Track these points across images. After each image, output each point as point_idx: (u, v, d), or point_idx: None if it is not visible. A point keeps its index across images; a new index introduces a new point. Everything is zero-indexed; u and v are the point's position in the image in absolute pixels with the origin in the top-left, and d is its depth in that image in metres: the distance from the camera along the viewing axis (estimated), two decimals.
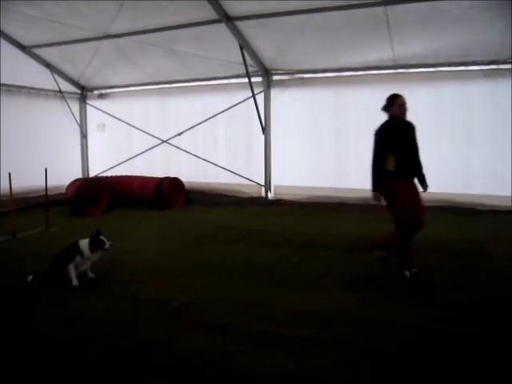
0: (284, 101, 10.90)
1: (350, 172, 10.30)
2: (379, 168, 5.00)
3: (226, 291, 4.76)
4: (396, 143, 4.97)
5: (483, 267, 5.16)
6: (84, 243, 5.04)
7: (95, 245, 5.03)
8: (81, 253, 4.99)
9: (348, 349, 3.43)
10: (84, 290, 4.82)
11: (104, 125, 13.08)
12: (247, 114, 11.03)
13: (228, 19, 8.97)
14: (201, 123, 11.66)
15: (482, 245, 6.00)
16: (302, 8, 8.42)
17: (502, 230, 7.21)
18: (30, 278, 5.03)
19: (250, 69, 10.27)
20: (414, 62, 9.39)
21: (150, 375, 3.12)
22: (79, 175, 12.70)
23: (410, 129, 5.09)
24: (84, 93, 13.28)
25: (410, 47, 9.06)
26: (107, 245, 5.06)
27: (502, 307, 4.14)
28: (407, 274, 5.07)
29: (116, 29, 9.73)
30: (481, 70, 9.03)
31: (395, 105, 5.06)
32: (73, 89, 12.97)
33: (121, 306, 4.38)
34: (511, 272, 5.18)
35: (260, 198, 11.14)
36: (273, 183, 11.22)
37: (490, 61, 8.90)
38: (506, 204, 8.73)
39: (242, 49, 9.77)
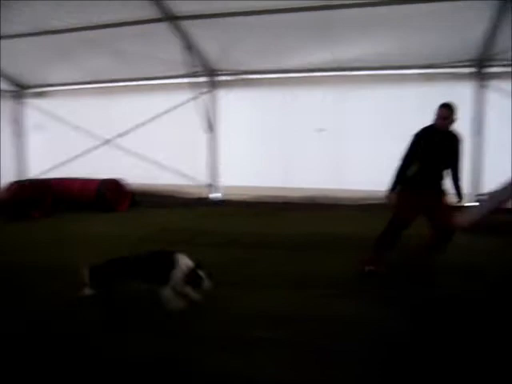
0: (230, 101, 10.89)
1: (296, 172, 10.47)
2: (400, 171, 5.01)
3: None
4: (422, 151, 4.93)
5: (442, 263, 5.26)
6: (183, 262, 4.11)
7: (192, 279, 4.09)
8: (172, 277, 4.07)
9: (304, 348, 3.45)
10: None
11: (42, 125, 12.53)
12: (193, 114, 10.88)
13: (173, 18, 8.86)
14: (146, 123, 11.41)
15: None
16: (248, 9, 8.46)
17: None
18: (85, 291, 4.06)
19: (195, 69, 10.19)
20: (356, 64, 9.67)
21: None
22: (15, 177, 12.11)
23: (447, 140, 4.96)
24: (21, 91, 12.67)
25: (352, 50, 9.32)
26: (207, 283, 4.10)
27: (460, 303, 4.28)
28: (366, 269, 5.14)
29: (56, 24, 9.34)
30: (418, 73, 9.43)
31: (436, 114, 4.96)
32: (9, 87, 12.33)
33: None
34: (468, 267, 5.39)
35: (207, 198, 11.09)
36: (220, 183, 11.21)
37: (426, 65, 9.33)
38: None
39: (187, 48, 9.66)
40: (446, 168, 5.03)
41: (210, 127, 10.83)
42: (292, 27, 8.81)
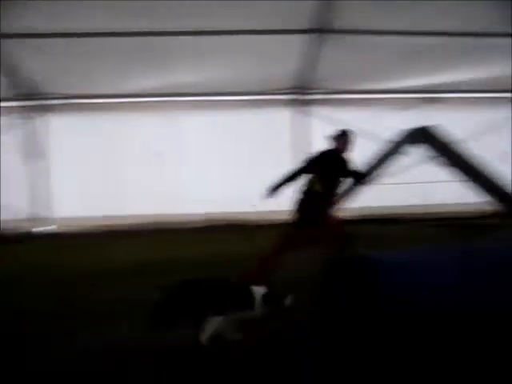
0: (62, 126, 10.31)
1: (133, 198, 10.22)
2: (289, 177, 5.33)
3: None
4: (326, 172, 5.32)
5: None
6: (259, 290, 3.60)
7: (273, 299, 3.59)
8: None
9: None
10: None
11: None
12: (22, 142, 10.14)
13: None
14: None
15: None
16: (77, 31, 8.34)
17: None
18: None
19: (20, 91, 9.60)
20: (186, 90, 10.02)
21: None
22: None
23: (344, 161, 5.42)
24: None
25: (185, 76, 9.66)
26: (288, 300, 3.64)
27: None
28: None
29: None
30: (242, 99, 10.12)
31: (337, 140, 5.40)
32: None
33: None
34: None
35: (37, 231, 10.23)
36: (53, 214, 10.44)
37: (250, 91, 10.04)
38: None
39: (10, 70, 9.06)
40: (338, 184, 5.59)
41: (38, 154, 10.10)
42: (124, 51, 8.86)
